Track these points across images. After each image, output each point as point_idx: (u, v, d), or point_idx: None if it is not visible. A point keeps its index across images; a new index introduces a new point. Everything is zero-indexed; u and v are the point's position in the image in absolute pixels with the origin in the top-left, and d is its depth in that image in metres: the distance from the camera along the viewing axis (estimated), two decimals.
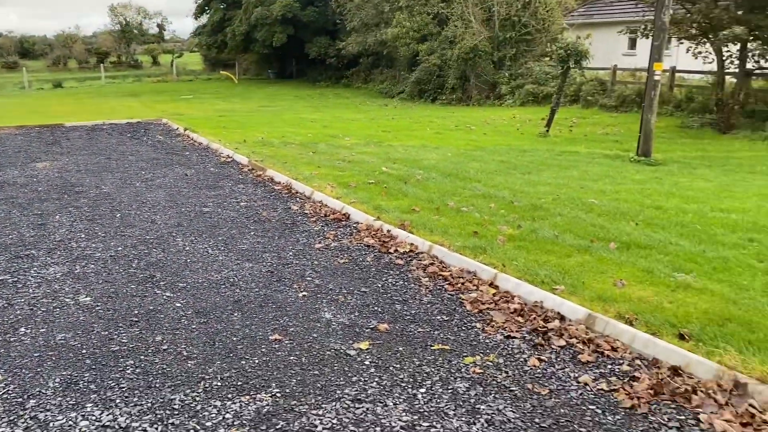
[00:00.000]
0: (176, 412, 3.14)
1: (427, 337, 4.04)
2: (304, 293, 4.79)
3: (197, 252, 5.83)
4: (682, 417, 3.04)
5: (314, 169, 9.64)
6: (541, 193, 7.79)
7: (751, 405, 3.03)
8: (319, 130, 15.32)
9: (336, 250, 5.91)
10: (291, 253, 5.82)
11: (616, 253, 5.34)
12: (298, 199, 8.10)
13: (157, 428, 3.01)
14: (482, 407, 3.18)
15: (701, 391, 3.21)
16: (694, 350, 3.58)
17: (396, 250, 5.85)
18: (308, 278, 5.14)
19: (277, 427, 3.00)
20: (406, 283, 5.04)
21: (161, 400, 3.25)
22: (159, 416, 3.11)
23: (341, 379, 3.47)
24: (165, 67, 51.05)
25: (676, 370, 3.44)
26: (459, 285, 4.94)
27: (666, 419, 3.04)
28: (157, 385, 3.40)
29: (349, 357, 3.74)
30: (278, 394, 3.30)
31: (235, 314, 4.40)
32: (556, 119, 15.20)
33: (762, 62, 14.70)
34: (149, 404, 3.22)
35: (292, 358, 3.73)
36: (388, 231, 6.36)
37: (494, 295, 4.70)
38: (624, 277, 4.76)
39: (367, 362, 3.67)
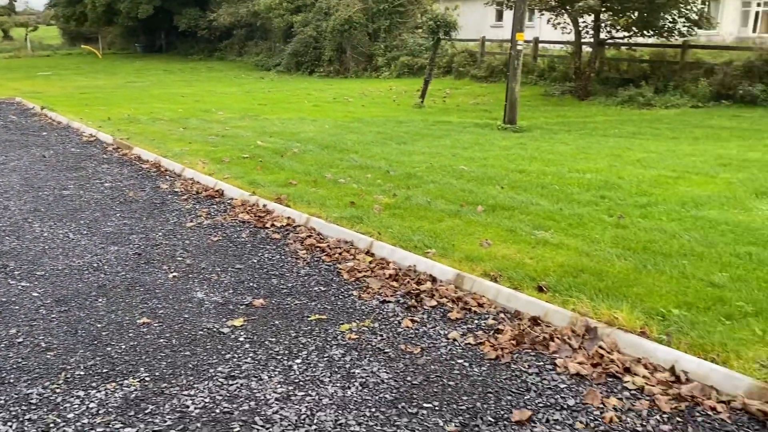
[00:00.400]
0: (33, 407, 2.94)
1: (303, 309, 4.04)
2: (175, 274, 4.62)
3: (57, 238, 5.45)
4: (541, 363, 3.27)
5: (185, 146, 9.27)
6: (416, 162, 7.97)
7: (600, 347, 3.31)
8: (190, 105, 14.71)
9: (209, 228, 5.74)
10: (160, 234, 5.58)
11: (483, 215, 5.59)
12: (167, 177, 7.77)
13: (11, 426, 2.81)
14: (357, 371, 3.24)
15: (557, 338, 3.46)
16: (551, 301, 3.84)
17: (272, 225, 5.78)
18: (179, 258, 4.96)
19: (146, 411, 2.90)
20: (282, 257, 5.00)
21: (16, 396, 3.03)
22: (13, 413, 2.90)
23: (214, 357, 3.40)
24: (18, 42, 46.61)
25: (535, 320, 3.67)
26: (336, 255, 4.97)
27: (527, 366, 3.25)
28: (11, 381, 3.17)
29: (223, 335, 3.67)
30: (147, 379, 3.18)
31: (100, 300, 4.17)
32: (430, 90, 15.55)
33: (613, 32, 15.78)
34: (1, 401, 2.99)
35: (161, 340, 3.60)
36: (264, 206, 6.27)
37: (370, 262, 4.78)
38: (490, 237, 5.00)
39: (241, 339, 3.62)
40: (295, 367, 3.31)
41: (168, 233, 5.59)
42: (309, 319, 3.89)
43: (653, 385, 2.99)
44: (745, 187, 6.32)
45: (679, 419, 2.75)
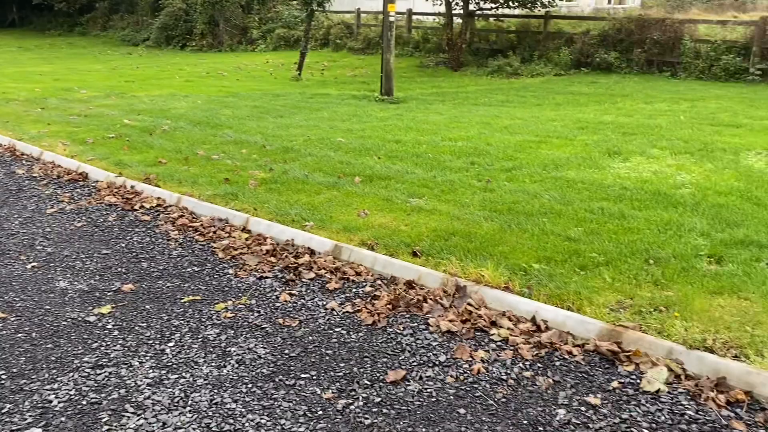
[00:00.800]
0: None
1: (176, 291, 3.91)
2: (34, 264, 4.31)
3: None
4: (415, 324, 3.38)
5: (43, 127, 8.60)
6: (293, 135, 7.89)
7: (469, 304, 3.48)
8: (49, 83, 13.61)
9: (72, 214, 5.39)
10: (17, 223, 5.17)
11: (361, 186, 5.65)
12: (24, 161, 7.18)
13: None
14: (233, 349, 3.20)
15: (430, 299, 3.59)
16: (424, 264, 3.97)
17: (141, 206, 5.52)
18: (39, 247, 4.63)
19: (3, 411, 2.71)
20: (153, 239, 4.80)
21: None
22: None
23: (79, 348, 3.23)
24: None
25: (410, 284, 3.79)
26: (210, 234, 4.84)
27: (402, 328, 3.35)
28: None
29: (89, 324, 3.48)
30: (3, 376, 2.97)
31: None
32: (308, 63, 15.37)
33: (482, 3, 16.30)
34: None
35: (20, 335, 3.36)
36: (132, 187, 5.96)
37: (247, 239, 4.70)
38: (367, 207, 5.07)
39: (109, 326, 3.46)
40: (167, 350, 3.21)
41: (26, 221, 5.19)
42: (182, 301, 3.78)
43: (516, 336, 3.19)
44: (600, 148, 6.81)
45: (539, 365, 2.95)
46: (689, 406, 2.57)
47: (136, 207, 5.51)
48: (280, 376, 2.96)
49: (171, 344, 3.27)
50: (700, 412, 2.53)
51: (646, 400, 2.64)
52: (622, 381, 2.77)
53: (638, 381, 2.76)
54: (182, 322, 3.51)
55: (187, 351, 3.20)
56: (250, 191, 5.58)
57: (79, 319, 3.54)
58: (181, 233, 4.90)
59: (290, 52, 20.64)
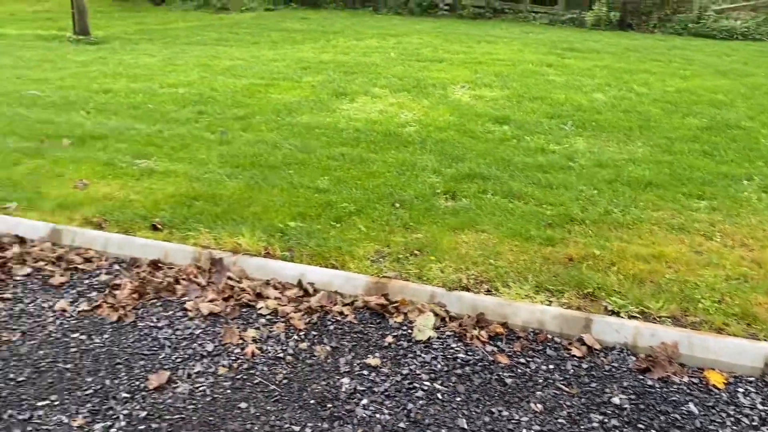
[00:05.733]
0: None
1: None
2: None
3: None
4: (171, 312, 3.00)
5: None
6: None
7: (229, 278, 3.20)
8: None
9: None
10: None
11: (72, 150, 4.83)
12: None
13: None
14: None
15: (183, 279, 3.22)
16: (169, 239, 3.55)
17: None
18: None
19: None
20: None
21: None
22: None
23: None
24: None
25: (156, 265, 3.35)
26: None
27: (156, 320, 2.95)
28: None
29: None
30: None
31: None
32: None
33: None
34: None
35: None
36: None
37: None
38: (85, 175, 4.35)
39: None
40: None
41: None
42: None
43: (285, 305, 3.04)
44: (326, 89, 6.81)
45: (314, 333, 2.85)
46: (459, 349, 2.72)
47: None
48: (10, 411, 2.38)
49: None
50: (469, 353, 2.69)
51: (421, 350, 2.72)
52: (396, 335, 2.82)
53: (410, 332, 2.83)
54: None
55: None
56: None
57: None
58: None
59: None
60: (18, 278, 3.30)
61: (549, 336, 2.80)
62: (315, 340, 2.80)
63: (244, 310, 3.03)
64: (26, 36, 10.21)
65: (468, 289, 3.03)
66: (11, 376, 2.57)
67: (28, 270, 3.36)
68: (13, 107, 5.84)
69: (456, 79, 7.34)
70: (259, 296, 3.11)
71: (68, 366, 2.63)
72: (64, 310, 3.02)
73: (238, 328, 2.88)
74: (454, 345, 2.74)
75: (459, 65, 8.18)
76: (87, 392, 2.48)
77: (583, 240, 3.51)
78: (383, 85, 7.00)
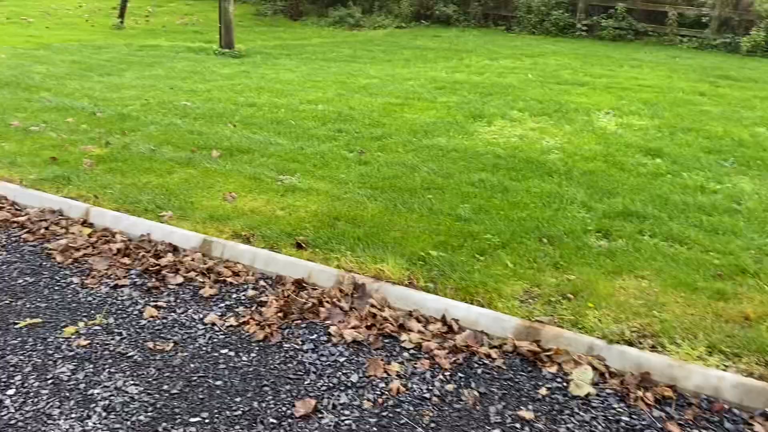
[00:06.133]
0: None
1: (7, 313, 3.14)
2: None
3: None
4: (315, 336, 2.98)
5: None
6: (128, 98, 6.89)
7: (371, 305, 3.14)
8: None
9: None
10: None
11: (221, 161, 5.01)
12: None
13: None
14: (97, 392, 2.59)
15: (327, 302, 3.20)
16: (312, 258, 3.55)
17: None
18: None
19: None
20: None
21: None
22: None
23: None
24: None
25: (300, 284, 3.36)
26: (42, 231, 4.00)
27: (301, 343, 2.93)
28: None
29: None
30: None
31: None
32: (129, 8, 13.71)
33: None
34: None
35: None
36: None
37: (90, 236, 3.94)
38: (233, 189, 4.48)
39: None
40: (7, 402, 2.52)
41: None
42: (17, 326, 3.03)
43: (429, 340, 2.92)
44: (462, 111, 6.69)
45: (461, 374, 2.71)
46: (622, 410, 2.48)
47: None
48: (164, 424, 2.43)
49: (11, 392, 2.58)
50: (633, 416, 2.44)
51: (578, 407, 2.50)
52: (550, 387, 2.62)
53: (565, 385, 2.62)
54: (22, 357, 2.80)
55: (35, 400, 2.54)
56: (86, 173, 4.72)
57: None
58: (3, 231, 4.00)
59: None
60: (171, 286, 3.42)
61: (726, 406, 2.49)
62: (462, 383, 2.66)
63: (386, 341, 2.95)
64: (177, 47, 10.90)
65: (631, 344, 2.77)
66: (165, 387, 2.64)
67: (181, 279, 3.47)
68: (169, 117, 6.19)
69: (600, 105, 6.98)
70: (402, 328, 3.02)
71: (218, 383, 2.66)
72: (214, 324, 3.08)
73: (382, 360, 2.80)
74: (615, 405, 2.51)
75: (602, 90, 7.80)
76: (236, 413, 2.49)
77: (760, 296, 3.14)
78: (522, 108, 6.78)
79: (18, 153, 5.09)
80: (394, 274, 3.33)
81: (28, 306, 3.21)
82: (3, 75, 7.75)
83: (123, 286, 3.42)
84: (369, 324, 3.04)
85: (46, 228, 4.04)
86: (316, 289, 3.32)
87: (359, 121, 6.17)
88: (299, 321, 3.10)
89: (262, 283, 3.44)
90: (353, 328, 3.02)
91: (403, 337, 2.96)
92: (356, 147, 5.39)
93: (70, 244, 3.82)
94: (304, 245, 3.69)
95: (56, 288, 3.39)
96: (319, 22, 14.92)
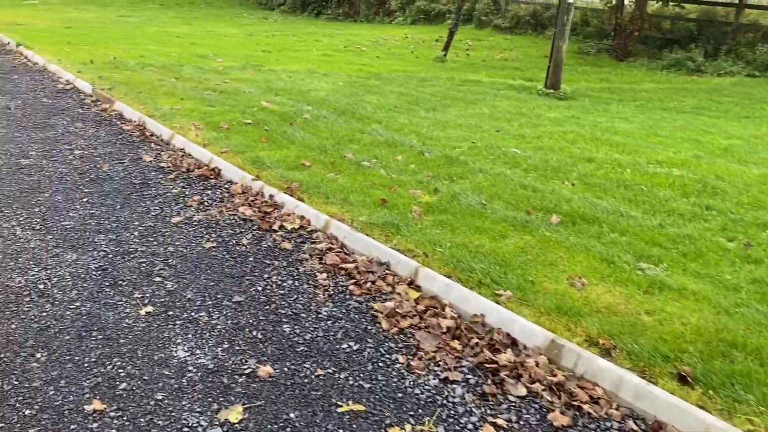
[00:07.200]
0: None
1: (329, 387, 2.76)
2: (149, 309, 3.32)
3: None
4: None
5: (176, 103, 7.81)
6: (454, 139, 6.58)
7: None
8: (186, 48, 13.09)
9: (200, 227, 4.42)
10: (136, 234, 4.26)
11: (561, 230, 4.26)
12: (153, 145, 6.36)
13: None
14: None
15: None
16: (706, 405, 2.56)
17: (281, 227, 4.45)
18: (157, 279, 3.65)
19: None
20: (296, 283, 3.69)
21: None
22: None
23: None
24: None
25: None
26: (368, 285, 3.67)
27: None
28: None
29: None
30: None
31: (37, 355, 2.89)
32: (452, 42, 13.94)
33: None
34: None
35: None
36: (271, 197, 4.91)
37: (417, 302, 3.48)
38: (581, 271, 3.68)
39: None
40: None
41: (146, 233, 4.27)
42: (339, 410, 2.62)
43: None
44: None
45: None
46: None
47: (274, 226, 4.44)
48: None
49: None
50: None
51: None
52: None
53: None
54: None
55: None
56: (414, 223, 4.35)
57: None
58: (330, 277, 3.77)
59: (430, 27, 19.28)
60: (511, 398, 2.73)
61: None
62: None
63: None
64: (497, 84, 10.58)
65: None
66: None
67: (523, 391, 2.77)
68: (497, 165, 5.67)
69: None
70: None
71: None
72: None
73: None
74: None
75: None
76: None
77: None
78: None
79: (350, 189, 4.97)
80: None
81: (350, 383, 2.81)
82: (341, 103, 8.11)
83: (454, 381, 2.84)
84: None
85: (373, 282, 3.70)
86: None
87: (733, 197, 4.91)
88: None
89: (631, 425, 2.56)
90: None
91: None
92: (737, 235, 4.19)
93: (396, 308, 3.40)
94: (689, 379, 2.71)
95: (380, 365, 2.95)
96: (649, 64, 13.48)
